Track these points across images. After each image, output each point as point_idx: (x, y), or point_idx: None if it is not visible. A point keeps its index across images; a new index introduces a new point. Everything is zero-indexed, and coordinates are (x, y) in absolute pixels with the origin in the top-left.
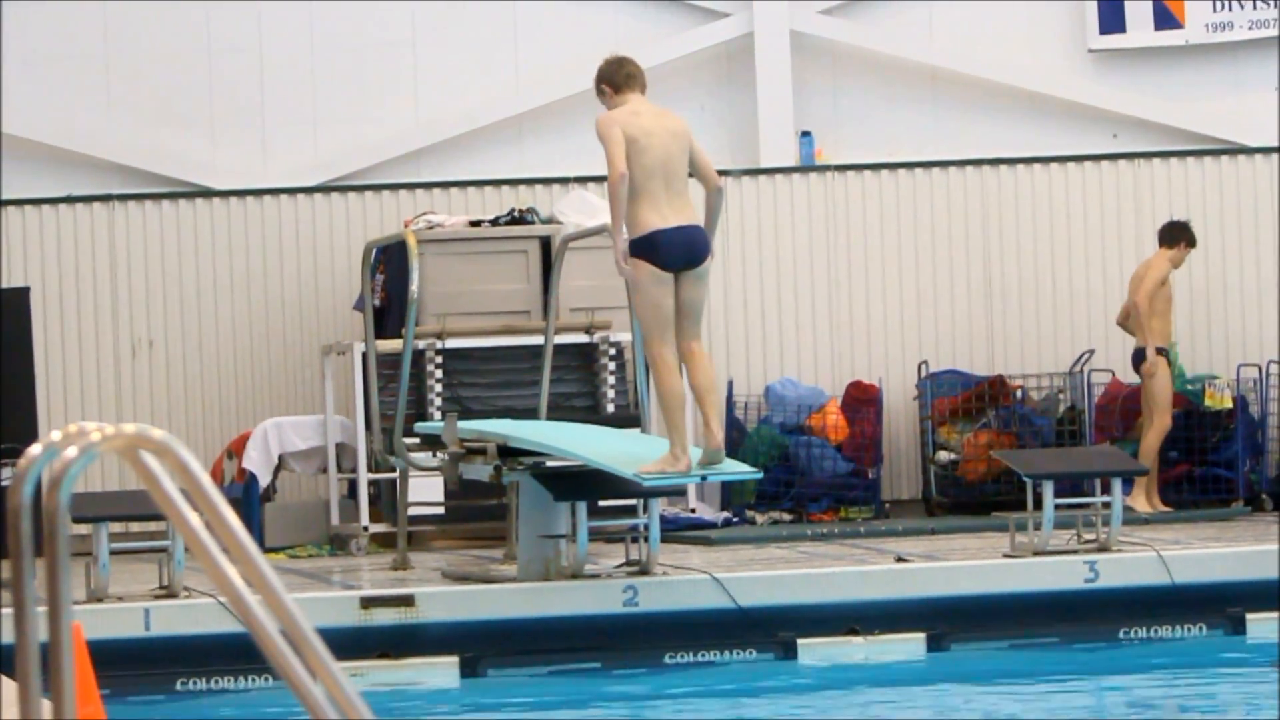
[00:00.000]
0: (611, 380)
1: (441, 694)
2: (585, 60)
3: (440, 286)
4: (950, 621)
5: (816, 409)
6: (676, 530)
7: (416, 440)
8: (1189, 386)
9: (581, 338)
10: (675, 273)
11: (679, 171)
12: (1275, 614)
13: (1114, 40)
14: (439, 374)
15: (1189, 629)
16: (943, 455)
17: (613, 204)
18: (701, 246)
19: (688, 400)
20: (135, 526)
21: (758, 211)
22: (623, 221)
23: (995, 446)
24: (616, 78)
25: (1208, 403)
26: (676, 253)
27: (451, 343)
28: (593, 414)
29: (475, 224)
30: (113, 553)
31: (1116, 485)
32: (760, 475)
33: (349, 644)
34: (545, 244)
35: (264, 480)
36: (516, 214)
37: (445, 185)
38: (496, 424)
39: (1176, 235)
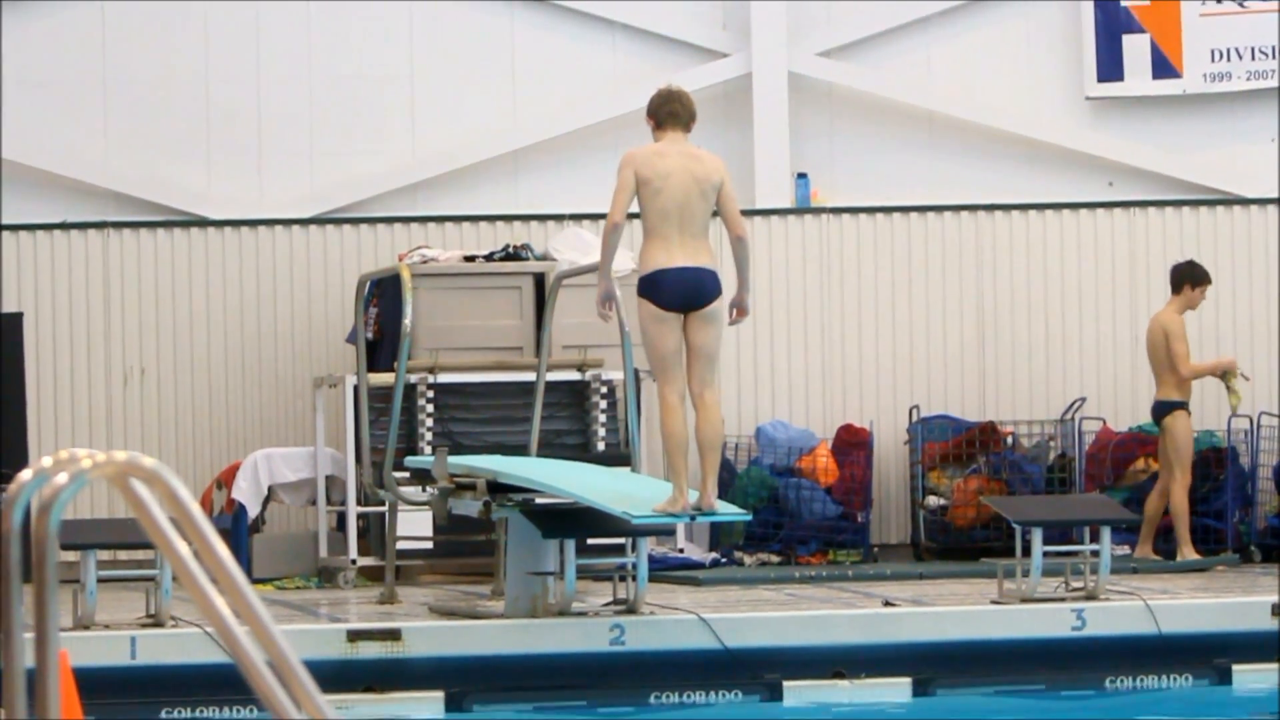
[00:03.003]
0: (603, 419)
1: None
2: (582, 97)
3: (433, 321)
4: (936, 667)
5: (807, 451)
6: (664, 570)
7: (406, 474)
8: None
9: (574, 375)
10: (681, 314)
11: (697, 216)
12: (1263, 665)
13: (1112, 88)
14: (430, 408)
15: (1175, 679)
16: (932, 500)
17: (602, 249)
18: (706, 289)
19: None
20: (123, 554)
21: (752, 252)
22: (609, 267)
23: (985, 492)
24: (659, 113)
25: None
26: (677, 293)
27: (443, 377)
28: (583, 452)
29: (469, 259)
30: (100, 580)
31: (1105, 533)
32: (749, 517)
33: (335, 677)
34: (539, 281)
35: (253, 511)
36: (511, 250)
37: (440, 220)
38: (487, 460)
39: (1179, 280)
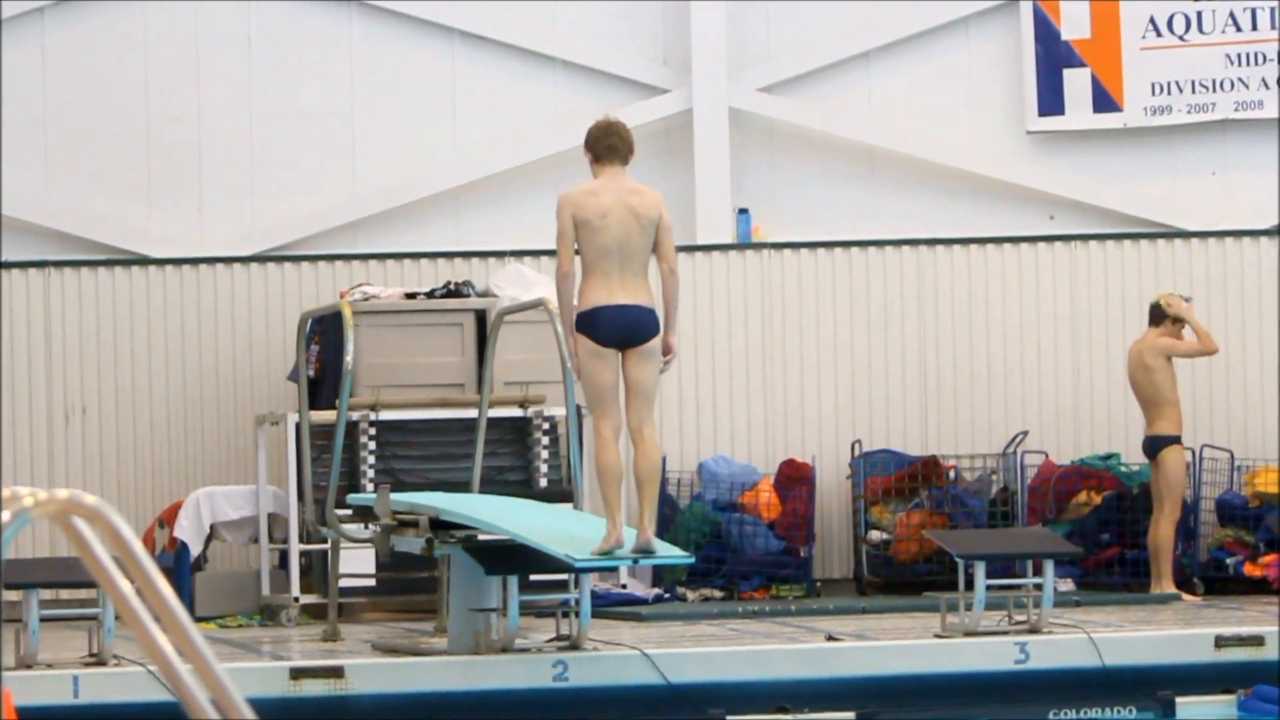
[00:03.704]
0: (545, 455)
1: None
2: (523, 134)
3: (375, 358)
4: (880, 701)
5: (749, 486)
6: (607, 606)
7: (349, 512)
8: (1105, 461)
9: (515, 412)
10: (619, 350)
11: (636, 253)
12: (1206, 697)
13: (1052, 122)
14: (372, 445)
15: (1119, 711)
16: (875, 534)
17: (559, 303)
18: (644, 326)
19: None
20: (65, 593)
21: (694, 288)
22: (571, 320)
23: (927, 526)
24: (598, 146)
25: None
26: (615, 329)
27: (385, 414)
28: (525, 488)
29: (411, 296)
30: (43, 619)
31: (1048, 566)
32: (692, 560)
33: (278, 715)
34: (480, 317)
35: (195, 549)
36: (452, 287)
37: (381, 257)
38: (429, 497)
39: (1162, 313)
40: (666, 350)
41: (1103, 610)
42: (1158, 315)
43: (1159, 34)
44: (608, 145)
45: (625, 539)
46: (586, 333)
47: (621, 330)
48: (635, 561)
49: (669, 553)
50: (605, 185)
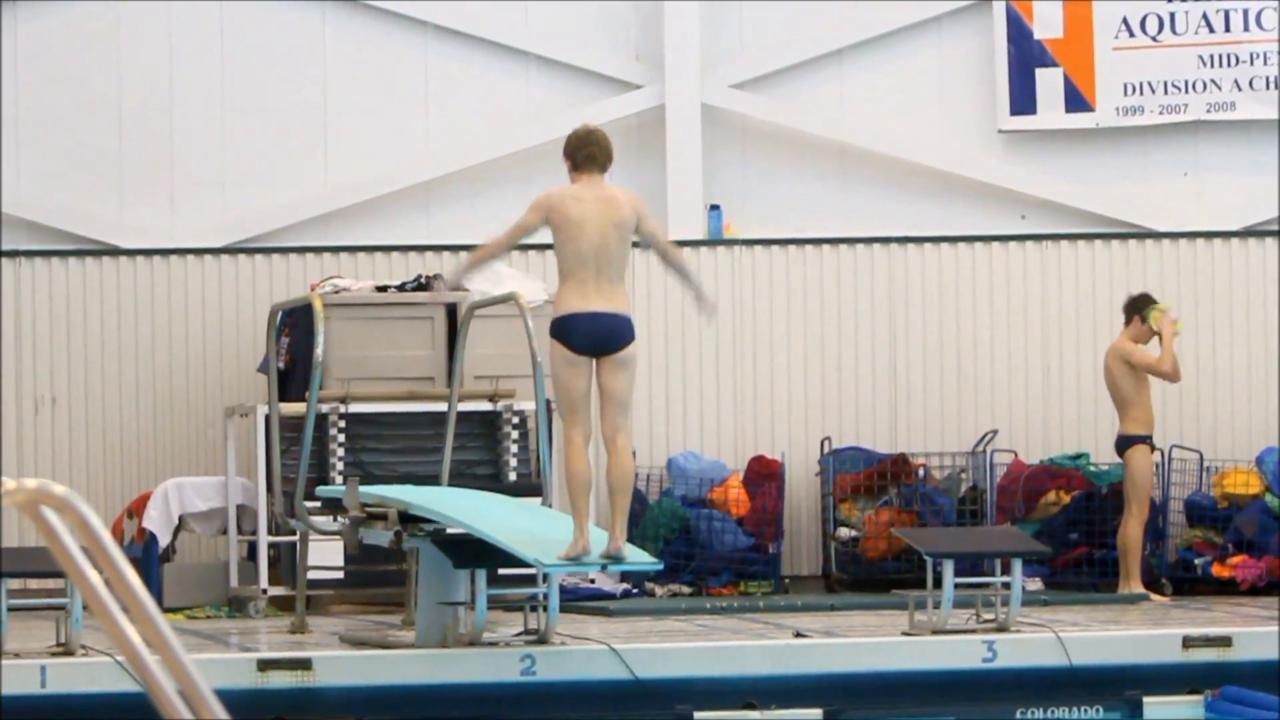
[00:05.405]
0: (514, 449)
1: None
2: (495, 128)
3: (345, 351)
4: (848, 698)
5: (718, 482)
6: (575, 600)
7: (318, 504)
8: (1074, 460)
9: (485, 405)
10: (594, 358)
11: (614, 260)
12: (1173, 697)
13: (1024, 121)
14: (342, 438)
15: (1086, 711)
16: (844, 532)
17: (477, 252)
18: (619, 335)
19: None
20: (33, 583)
21: (665, 283)
22: (479, 259)
23: (896, 524)
24: (577, 155)
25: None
26: (588, 337)
27: (355, 407)
28: (494, 482)
29: (381, 289)
30: (11, 609)
31: (1016, 565)
32: (660, 567)
33: (245, 706)
34: (451, 311)
35: (164, 540)
36: (423, 280)
37: (352, 250)
38: (398, 490)
39: (1129, 311)
40: (709, 304)
41: (1071, 610)
42: (1129, 313)
43: (1132, 34)
44: (586, 154)
45: (593, 545)
46: (561, 339)
47: (596, 338)
48: (603, 567)
49: (638, 559)
50: (585, 192)
